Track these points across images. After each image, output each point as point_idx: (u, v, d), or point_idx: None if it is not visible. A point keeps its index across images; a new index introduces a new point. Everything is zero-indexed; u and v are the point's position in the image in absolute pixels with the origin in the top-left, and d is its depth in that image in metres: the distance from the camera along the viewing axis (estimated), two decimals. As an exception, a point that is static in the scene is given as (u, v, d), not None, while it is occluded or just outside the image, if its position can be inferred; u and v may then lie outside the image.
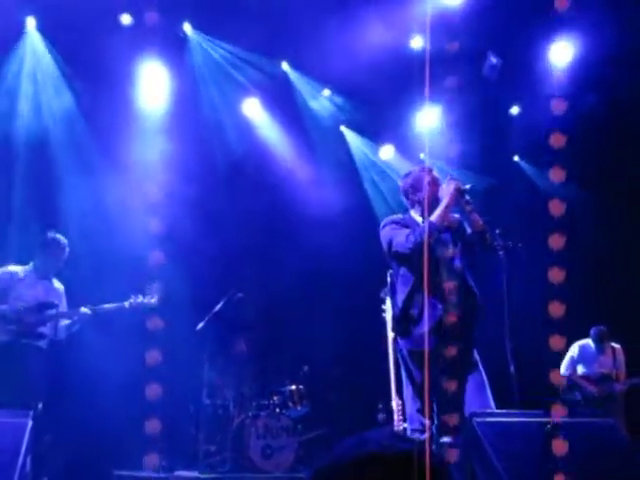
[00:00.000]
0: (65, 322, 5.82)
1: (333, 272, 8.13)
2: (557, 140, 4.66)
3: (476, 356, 4.19)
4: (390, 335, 4.22)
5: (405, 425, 4.28)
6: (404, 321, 4.13)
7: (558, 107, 4.62)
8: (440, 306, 4.07)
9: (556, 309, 4.30)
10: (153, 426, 4.22)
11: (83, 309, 5.77)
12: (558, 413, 3.59)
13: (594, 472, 3.25)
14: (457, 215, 4.42)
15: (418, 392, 4.04)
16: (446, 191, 4.22)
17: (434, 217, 4.15)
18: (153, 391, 4.31)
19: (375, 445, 1.12)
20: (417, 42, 6.94)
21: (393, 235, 4.24)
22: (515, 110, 8.53)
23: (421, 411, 4.00)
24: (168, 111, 7.30)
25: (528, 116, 7.97)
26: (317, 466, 1.13)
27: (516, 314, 4.21)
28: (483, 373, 4.14)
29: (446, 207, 4.18)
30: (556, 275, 4.47)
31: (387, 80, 7.63)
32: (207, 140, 7.87)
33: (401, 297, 4.17)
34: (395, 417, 4.14)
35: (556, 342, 4.38)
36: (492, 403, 4.06)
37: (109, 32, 6.74)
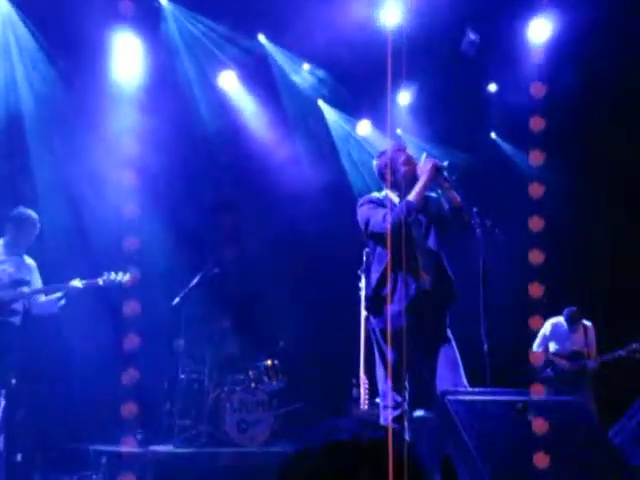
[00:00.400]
0: (56, 295, 5.73)
1: (310, 248, 8.13)
2: (536, 123, 4.66)
3: (449, 334, 4.22)
4: (363, 314, 4.24)
5: (377, 400, 4.33)
6: (377, 300, 4.15)
7: (537, 91, 4.62)
8: (414, 285, 4.09)
9: (535, 290, 4.34)
10: (129, 409, 4.21)
11: (75, 282, 5.68)
12: (537, 392, 3.63)
13: (563, 450, 3.29)
14: (434, 194, 4.41)
15: (390, 370, 4.06)
16: (423, 169, 4.20)
17: (412, 196, 4.14)
18: (130, 376, 4.30)
19: (346, 433, 1.12)
20: (395, 18, 6.87)
21: (370, 215, 4.22)
22: (493, 87, 8.51)
23: (393, 388, 4.03)
24: (142, 83, 7.18)
25: (506, 93, 7.96)
26: (288, 455, 1.12)
27: (492, 293, 4.24)
28: (456, 350, 4.17)
29: (424, 185, 4.16)
30: (536, 257, 4.50)
31: (364, 55, 7.56)
32: (182, 113, 7.76)
33: (375, 276, 4.18)
34: (362, 395, 4.17)
35: (535, 322, 4.43)
36: (464, 380, 4.09)
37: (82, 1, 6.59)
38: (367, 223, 4.22)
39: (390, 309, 4.11)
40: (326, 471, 1.06)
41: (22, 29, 7.10)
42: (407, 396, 4.03)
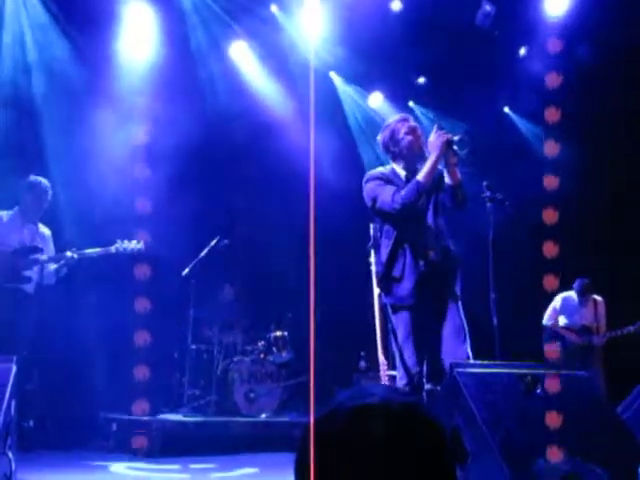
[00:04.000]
0: (53, 266, 5.79)
1: (320, 220, 8.10)
2: (552, 81, 4.59)
3: (459, 304, 4.18)
4: (376, 291, 4.22)
5: (393, 373, 4.34)
6: (387, 278, 4.12)
7: (554, 48, 4.56)
8: (422, 262, 4.08)
9: (550, 249, 4.32)
10: (141, 372, 4.26)
11: (68, 253, 5.74)
12: (551, 353, 3.64)
13: (570, 423, 3.31)
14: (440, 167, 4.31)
15: (403, 344, 4.07)
16: (434, 144, 4.01)
17: (422, 176, 4.00)
18: (141, 337, 4.34)
19: (377, 397, 1.12)
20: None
21: (378, 192, 4.13)
22: (509, 59, 8.40)
23: (407, 361, 4.05)
24: (156, 56, 7.15)
25: (522, 66, 7.87)
26: (315, 418, 1.11)
27: (501, 266, 4.23)
28: (464, 320, 4.14)
29: (434, 164, 4.01)
30: (550, 216, 4.47)
31: (377, 27, 7.50)
32: (195, 86, 7.73)
33: (385, 252, 4.13)
34: (381, 369, 4.19)
35: (550, 282, 4.42)
36: (468, 350, 4.08)
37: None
38: (375, 200, 4.13)
39: (399, 287, 4.08)
40: (356, 433, 1.05)
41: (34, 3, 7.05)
42: (421, 369, 4.04)
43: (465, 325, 4.12)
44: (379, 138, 4.37)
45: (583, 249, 7.81)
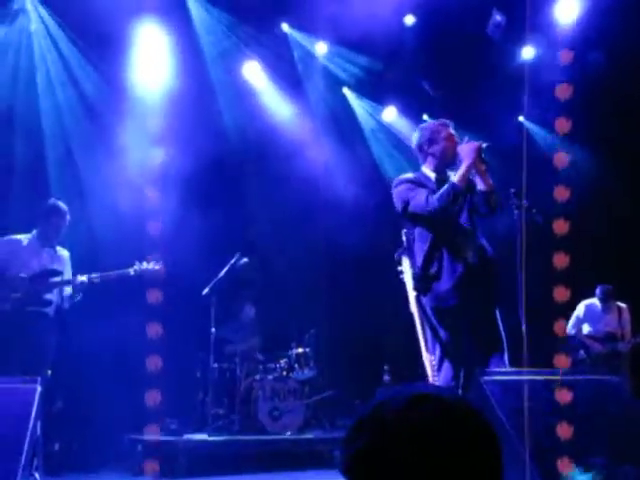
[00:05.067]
0: (69, 289, 5.81)
1: (341, 233, 8.09)
2: (563, 91, 4.57)
3: (497, 312, 4.16)
4: (412, 294, 4.16)
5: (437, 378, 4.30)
6: (425, 279, 4.08)
7: (565, 58, 4.55)
8: (460, 263, 4.05)
9: (560, 260, 4.27)
10: (153, 397, 4.25)
11: (80, 277, 5.74)
12: (561, 363, 3.60)
13: (599, 428, 3.27)
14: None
15: (443, 346, 4.03)
16: (466, 152, 4.08)
17: (457, 179, 4.03)
18: (153, 362, 4.33)
19: (430, 388, 1.16)
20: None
21: (410, 196, 4.12)
22: (521, 68, 8.39)
23: (448, 364, 4.01)
24: (169, 75, 7.22)
25: (534, 74, 7.85)
26: (368, 406, 1.13)
27: (530, 274, 4.18)
28: (502, 329, 4.12)
29: (468, 169, 4.05)
30: (560, 227, 4.43)
31: (389, 42, 7.53)
32: (209, 107, 7.79)
33: (420, 255, 4.11)
34: (429, 372, 4.12)
35: (560, 294, 4.36)
36: (506, 360, 4.06)
37: None
38: (407, 203, 4.12)
39: (439, 287, 4.05)
40: (409, 420, 1.06)
41: (56, 30, 7.17)
42: (457, 382, 4.00)
43: (503, 334, 4.09)
44: (414, 137, 4.38)
45: (605, 257, 7.75)
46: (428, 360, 4.06)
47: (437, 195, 4.03)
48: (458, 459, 1.03)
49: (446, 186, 4.05)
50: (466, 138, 4.21)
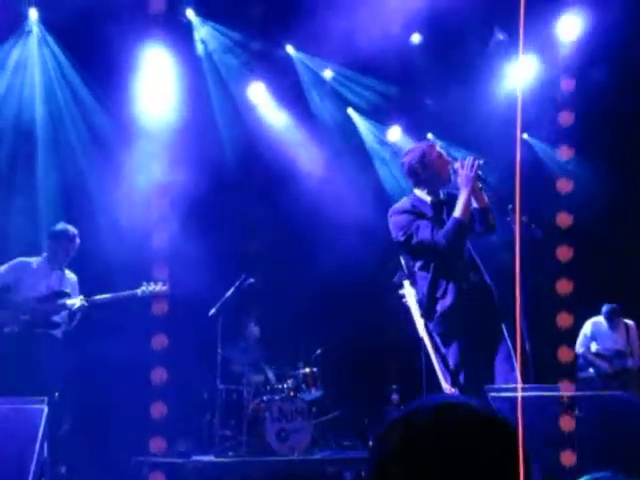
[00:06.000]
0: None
1: (346, 255, 8.10)
2: (566, 119, 4.61)
3: (504, 330, 4.15)
4: (420, 321, 4.14)
5: None
6: (430, 305, 4.07)
7: (567, 86, 4.59)
8: (464, 285, 4.04)
9: (564, 286, 4.27)
10: (158, 410, 4.24)
11: (81, 300, 5.71)
12: (566, 389, 3.58)
13: (608, 445, 3.24)
14: None
15: (451, 369, 4.01)
16: (465, 178, 3.98)
17: (459, 213, 3.97)
18: (158, 375, 4.33)
19: (456, 398, 1.18)
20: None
21: (413, 229, 4.05)
22: (522, 85, 8.43)
23: (456, 387, 3.99)
24: (174, 99, 7.29)
25: (537, 92, 7.89)
26: (398, 414, 1.15)
27: (530, 291, 4.17)
28: (510, 347, 4.09)
29: (468, 197, 3.97)
30: (564, 253, 4.43)
31: (391, 61, 7.58)
32: (214, 130, 7.85)
33: (424, 284, 4.09)
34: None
35: (563, 319, 4.35)
36: (518, 378, 4.03)
37: (111, 20, 6.70)
38: (410, 237, 4.06)
39: (444, 304, 4.03)
40: (439, 425, 1.08)
41: (61, 57, 7.26)
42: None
43: (512, 351, 4.06)
44: (405, 160, 4.29)
45: (608, 272, 7.73)
46: (448, 390, 4.04)
47: (443, 232, 3.99)
48: (486, 466, 1.06)
49: (451, 222, 4.00)
50: (469, 159, 4.05)
